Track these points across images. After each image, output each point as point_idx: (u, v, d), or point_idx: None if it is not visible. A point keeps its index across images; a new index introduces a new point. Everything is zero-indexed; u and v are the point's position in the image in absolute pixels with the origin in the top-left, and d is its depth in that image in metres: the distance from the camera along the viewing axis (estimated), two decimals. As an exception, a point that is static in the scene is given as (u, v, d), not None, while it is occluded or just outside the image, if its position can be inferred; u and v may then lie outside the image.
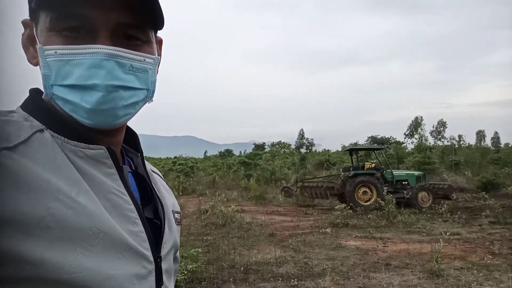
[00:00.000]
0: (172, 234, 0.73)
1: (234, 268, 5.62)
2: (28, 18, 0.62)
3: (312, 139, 55.62)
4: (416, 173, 13.10)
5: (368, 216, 10.10)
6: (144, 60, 0.60)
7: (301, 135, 58.63)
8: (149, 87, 0.62)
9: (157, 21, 0.61)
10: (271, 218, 10.68)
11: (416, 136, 57.56)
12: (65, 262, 0.50)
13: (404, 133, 59.13)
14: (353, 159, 14.10)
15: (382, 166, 13.02)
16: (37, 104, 0.60)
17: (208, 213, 10.67)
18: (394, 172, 12.66)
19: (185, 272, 4.88)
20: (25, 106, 0.61)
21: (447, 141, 50.33)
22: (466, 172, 19.28)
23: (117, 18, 0.57)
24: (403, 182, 12.41)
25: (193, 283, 4.96)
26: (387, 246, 7.15)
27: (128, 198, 0.62)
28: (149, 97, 0.64)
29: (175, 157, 28.32)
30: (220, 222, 9.26)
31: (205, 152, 66.02)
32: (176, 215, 0.80)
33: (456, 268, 5.54)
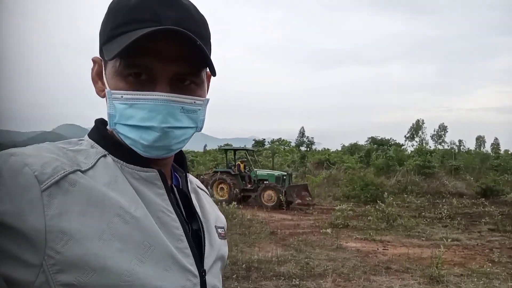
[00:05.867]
0: (214, 249, 0.77)
1: (236, 265, 5.65)
2: (98, 56, 0.70)
3: (312, 137, 55.59)
4: (277, 173, 13.95)
5: (368, 218, 10.15)
6: (194, 102, 0.67)
7: (302, 133, 58.60)
8: (198, 125, 0.69)
9: (210, 69, 0.67)
10: (271, 215, 10.74)
11: (417, 139, 57.62)
12: (122, 270, 0.57)
13: (405, 136, 59.22)
14: (227, 158, 15.41)
15: (244, 167, 14.05)
16: (101, 133, 0.70)
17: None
18: (258, 172, 13.66)
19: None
20: (91, 135, 0.70)
21: (448, 146, 50.43)
22: (467, 177, 19.31)
23: (175, 69, 0.64)
24: (265, 181, 13.20)
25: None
26: (387, 249, 7.20)
27: (175, 216, 0.68)
28: (197, 131, 0.71)
29: (175, 150, 28.20)
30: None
31: (205, 146, 65.99)
32: (220, 230, 0.83)
33: (456, 275, 5.59)
